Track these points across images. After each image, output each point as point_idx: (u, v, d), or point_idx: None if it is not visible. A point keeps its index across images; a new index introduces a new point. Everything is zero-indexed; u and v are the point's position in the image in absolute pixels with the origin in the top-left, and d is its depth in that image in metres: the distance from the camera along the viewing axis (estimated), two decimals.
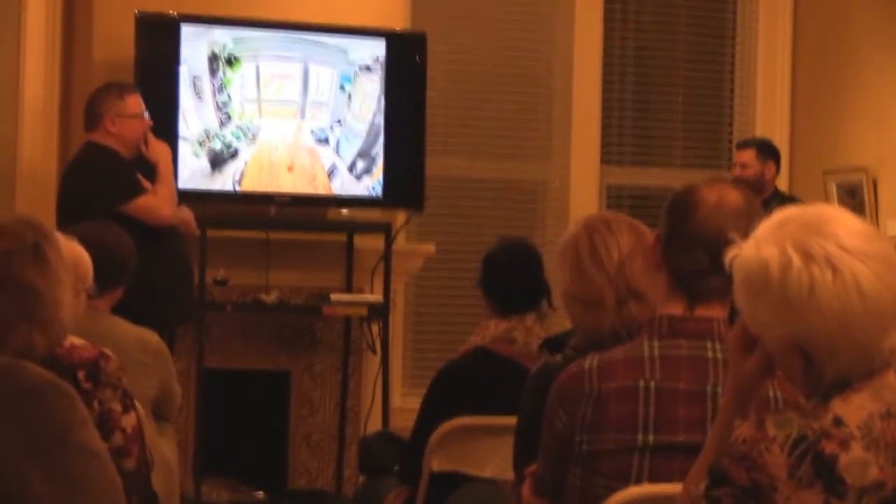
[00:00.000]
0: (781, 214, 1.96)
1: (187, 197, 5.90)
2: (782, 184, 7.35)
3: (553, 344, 3.32)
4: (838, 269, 1.87)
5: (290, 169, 6.36)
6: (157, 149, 5.71)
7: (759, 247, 1.93)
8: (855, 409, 1.82)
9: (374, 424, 6.33)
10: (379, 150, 6.45)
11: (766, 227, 1.95)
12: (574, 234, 3.12)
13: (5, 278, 2.88)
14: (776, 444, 1.78)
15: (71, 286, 3.15)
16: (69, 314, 3.06)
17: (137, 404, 3.59)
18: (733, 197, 2.71)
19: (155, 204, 5.55)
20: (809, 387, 1.91)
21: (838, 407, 1.83)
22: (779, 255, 1.90)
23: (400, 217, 6.76)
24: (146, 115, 5.69)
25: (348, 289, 6.53)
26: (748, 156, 6.93)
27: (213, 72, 6.24)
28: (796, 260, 1.89)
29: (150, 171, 5.65)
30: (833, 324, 1.86)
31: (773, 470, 1.76)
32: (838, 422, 1.81)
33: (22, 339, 2.88)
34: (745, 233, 2.67)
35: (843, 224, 1.91)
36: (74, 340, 3.41)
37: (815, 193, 7.09)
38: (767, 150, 6.97)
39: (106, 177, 5.52)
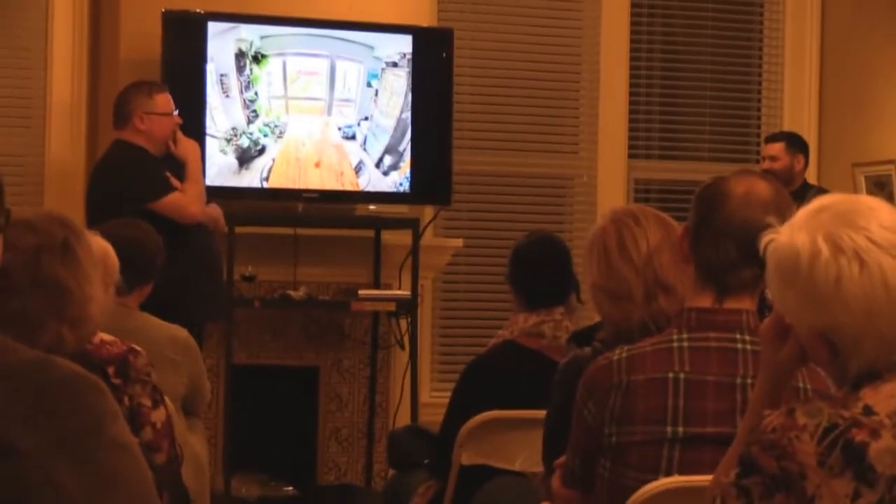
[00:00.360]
0: (819, 202, 1.96)
1: (215, 194, 5.91)
2: (811, 177, 7.33)
3: (581, 337, 3.32)
4: (866, 262, 1.86)
5: (317, 165, 6.37)
6: (187, 146, 5.72)
7: (792, 234, 1.93)
8: (885, 397, 1.82)
9: (403, 419, 6.34)
10: (406, 145, 6.46)
11: (802, 214, 1.95)
12: (602, 227, 3.12)
13: (35, 276, 2.89)
14: (806, 432, 1.78)
15: (100, 282, 3.16)
16: (98, 310, 3.07)
17: (167, 400, 3.61)
18: (762, 188, 2.70)
19: (184, 202, 5.56)
20: (837, 376, 1.91)
21: (868, 396, 1.83)
22: (809, 244, 1.90)
23: (427, 212, 6.77)
24: (175, 112, 5.71)
25: (376, 284, 6.54)
26: (777, 149, 6.91)
27: (240, 69, 6.26)
28: (825, 251, 1.88)
29: (179, 168, 5.67)
30: (858, 316, 1.86)
31: (803, 458, 1.76)
32: (868, 411, 1.80)
33: (51, 337, 2.89)
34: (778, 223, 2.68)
35: (877, 217, 1.90)
36: (104, 336, 3.43)
37: (844, 186, 7.07)
38: (797, 143, 6.95)
39: (135, 175, 5.54)
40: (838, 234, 1.88)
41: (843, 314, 1.87)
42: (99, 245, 3.59)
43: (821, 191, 6.51)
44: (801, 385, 2.54)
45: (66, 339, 2.90)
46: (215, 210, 5.78)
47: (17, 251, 2.87)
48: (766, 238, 1.97)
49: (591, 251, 3.12)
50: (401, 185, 6.47)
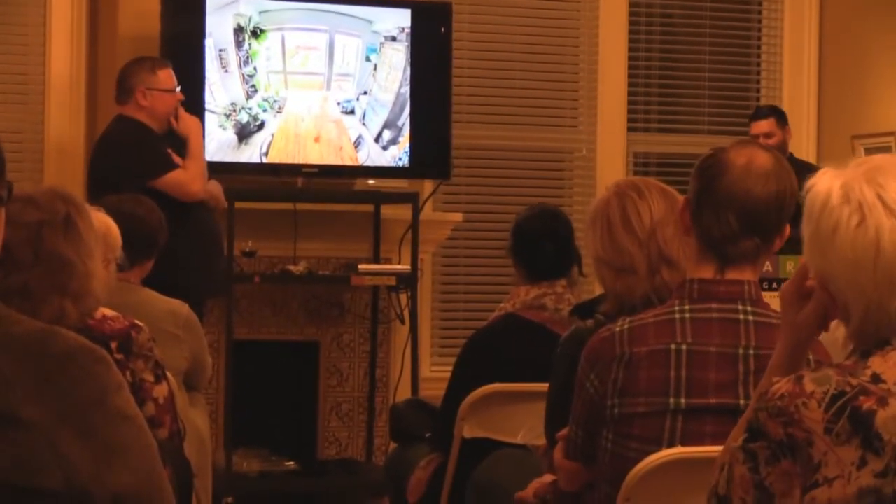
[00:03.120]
0: (870, 157, 1.96)
1: (214, 169, 5.90)
2: (811, 149, 7.33)
3: (583, 310, 3.32)
4: (865, 217, 1.86)
5: (316, 140, 6.37)
6: (188, 123, 5.71)
7: (824, 179, 1.93)
8: (893, 365, 1.82)
9: (403, 394, 6.34)
10: (405, 120, 6.45)
11: (851, 164, 1.95)
12: (605, 199, 3.12)
13: (37, 251, 2.90)
14: (814, 399, 1.78)
15: (101, 257, 3.17)
16: (101, 285, 3.08)
17: (169, 375, 3.61)
18: (762, 159, 2.70)
19: (185, 179, 5.56)
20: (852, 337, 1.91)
21: (877, 364, 1.83)
22: (826, 190, 1.90)
23: (427, 187, 6.77)
24: (178, 89, 5.70)
25: (376, 259, 6.54)
26: (770, 125, 6.88)
27: (238, 44, 6.24)
28: (835, 198, 1.89)
29: (181, 145, 5.66)
30: (845, 269, 1.86)
31: (810, 425, 1.76)
32: (876, 378, 1.80)
33: (54, 311, 2.90)
34: (776, 195, 2.68)
35: None
36: (106, 312, 3.43)
37: (844, 158, 7.04)
38: (783, 116, 6.94)
39: (136, 151, 5.53)
40: (853, 185, 1.89)
41: (835, 264, 1.87)
42: (101, 220, 3.59)
43: (805, 164, 6.52)
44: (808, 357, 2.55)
45: (69, 314, 2.90)
46: (215, 187, 5.78)
47: (19, 226, 2.87)
48: (809, 182, 1.96)
49: (593, 224, 3.11)
50: (400, 159, 6.46)
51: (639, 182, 3.13)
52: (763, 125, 6.88)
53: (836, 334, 2.03)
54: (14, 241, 2.83)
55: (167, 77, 5.67)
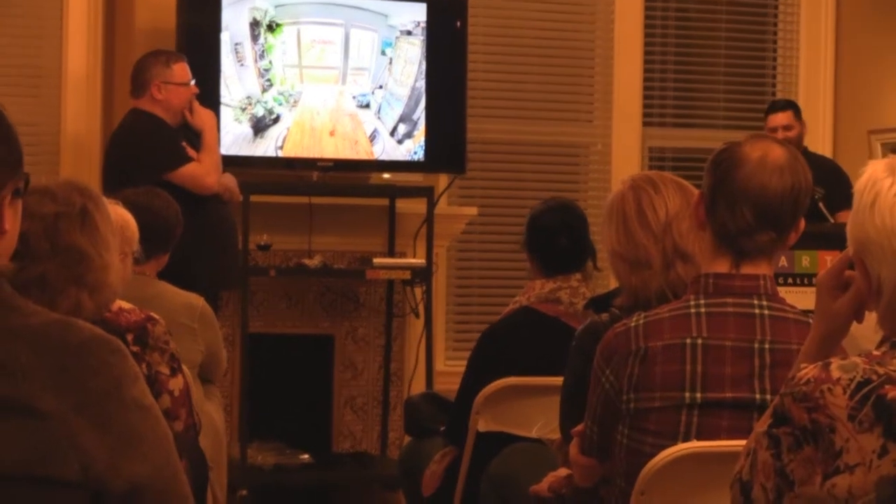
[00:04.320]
0: None
1: (230, 163, 5.91)
2: (827, 144, 7.31)
3: (598, 304, 3.32)
4: None
5: (331, 134, 6.37)
6: (203, 117, 5.72)
7: (873, 164, 1.94)
8: None
9: (418, 388, 6.35)
10: (420, 114, 6.45)
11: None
12: (621, 192, 3.11)
13: (54, 242, 2.91)
14: (839, 385, 1.77)
15: (118, 249, 3.17)
16: (117, 277, 3.09)
17: (185, 368, 3.62)
18: (777, 152, 2.69)
19: (200, 172, 5.56)
20: (884, 324, 1.90)
21: None
22: (873, 170, 1.91)
23: (442, 181, 6.77)
24: (192, 83, 5.70)
25: (391, 253, 6.54)
26: (787, 117, 6.84)
27: (254, 38, 6.25)
28: (880, 171, 1.90)
29: (195, 138, 5.67)
30: (883, 237, 1.86)
31: (834, 411, 1.76)
32: None
33: (71, 303, 2.91)
34: (791, 189, 2.67)
35: None
36: (122, 304, 3.44)
37: (860, 153, 7.05)
38: (798, 109, 6.92)
39: (151, 145, 5.54)
40: None
41: (872, 233, 1.87)
42: (119, 214, 3.60)
43: (820, 158, 6.52)
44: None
45: (85, 306, 2.91)
46: (230, 180, 5.78)
47: (36, 218, 2.88)
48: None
49: (609, 217, 3.11)
50: (415, 153, 6.46)
51: (654, 176, 3.13)
52: (782, 117, 6.85)
53: (855, 334, 2.03)
54: (31, 232, 2.84)
55: (182, 71, 5.67)
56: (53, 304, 2.84)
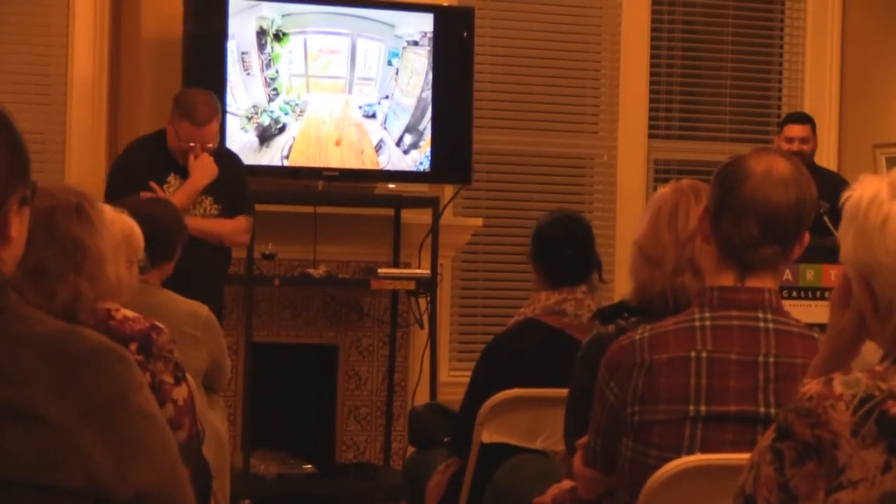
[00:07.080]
0: None
1: None
2: (832, 158, 7.31)
3: (604, 316, 3.32)
4: None
5: (337, 143, 6.38)
6: (200, 167, 5.53)
7: (868, 181, 1.94)
8: None
9: (422, 398, 6.35)
10: (426, 124, 6.46)
11: (891, 172, 1.97)
12: (664, 192, 3.15)
13: (50, 231, 2.94)
14: (842, 401, 1.78)
15: (124, 257, 3.19)
16: (118, 277, 3.11)
17: (189, 377, 3.62)
18: (782, 166, 2.69)
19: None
20: (881, 335, 1.90)
21: None
22: (873, 190, 1.91)
23: (447, 191, 6.77)
24: (192, 144, 5.55)
25: (396, 263, 6.55)
26: (805, 130, 6.76)
27: (261, 47, 6.26)
28: (884, 193, 1.90)
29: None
30: (893, 259, 1.86)
31: (837, 427, 1.76)
32: None
33: (70, 290, 2.93)
34: (795, 202, 2.68)
35: None
36: (127, 313, 3.45)
37: (865, 167, 7.05)
38: (815, 124, 6.89)
39: (114, 165, 5.63)
40: None
41: (882, 256, 1.87)
42: (124, 222, 3.61)
43: (827, 172, 6.51)
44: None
45: (85, 293, 2.94)
46: (209, 224, 5.62)
47: (33, 211, 2.91)
48: (845, 194, 1.97)
49: (647, 209, 3.16)
50: (421, 163, 6.47)
51: (701, 187, 3.13)
52: (801, 129, 6.76)
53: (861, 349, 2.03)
54: (28, 225, 2.87)
55: (186, 131, 5.50)
56: (53, 292, 2.87)
